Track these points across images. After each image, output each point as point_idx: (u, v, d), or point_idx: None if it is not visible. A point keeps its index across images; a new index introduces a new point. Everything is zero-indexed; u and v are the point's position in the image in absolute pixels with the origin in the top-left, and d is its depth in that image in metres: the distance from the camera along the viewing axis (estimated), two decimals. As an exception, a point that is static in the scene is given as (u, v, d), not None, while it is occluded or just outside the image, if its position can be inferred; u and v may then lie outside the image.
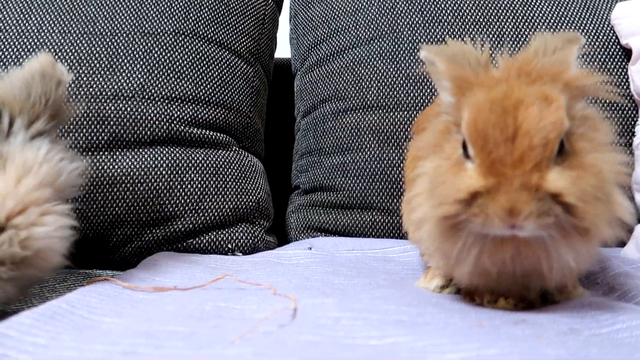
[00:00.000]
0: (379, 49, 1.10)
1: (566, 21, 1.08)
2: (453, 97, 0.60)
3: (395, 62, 1.08)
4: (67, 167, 0.65)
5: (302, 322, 0.53)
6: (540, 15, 1.09)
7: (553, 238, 0.53)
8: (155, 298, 0.64)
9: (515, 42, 1.07)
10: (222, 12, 1.13)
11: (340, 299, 0.62)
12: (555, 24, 1.07)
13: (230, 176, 1.04)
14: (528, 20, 1.08)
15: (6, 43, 1.00)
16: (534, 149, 0.52)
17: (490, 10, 1.09)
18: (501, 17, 1.08)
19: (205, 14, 1.11)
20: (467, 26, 1.08)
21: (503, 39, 1.07)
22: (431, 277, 0.74)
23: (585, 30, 1.07)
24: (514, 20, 1.08)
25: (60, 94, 0.70)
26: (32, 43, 1.00)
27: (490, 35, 1.07)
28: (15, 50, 1.00)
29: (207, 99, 1.06)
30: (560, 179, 0.52)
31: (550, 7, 1.09)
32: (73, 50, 1.01)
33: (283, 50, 1.35)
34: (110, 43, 1.03)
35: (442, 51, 0.62)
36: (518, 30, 1.07)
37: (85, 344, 0.45)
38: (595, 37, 1.07)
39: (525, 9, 1.09)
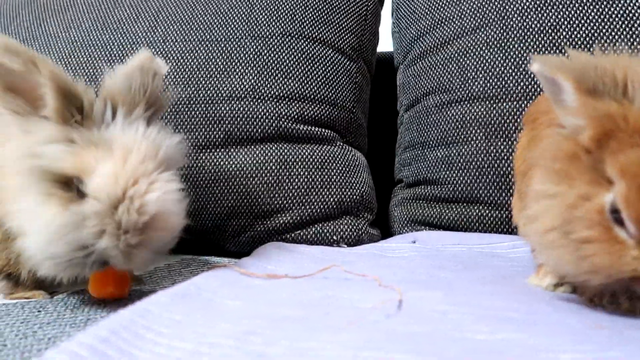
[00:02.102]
0: (485, 38, 1.06)
1: None
2: (589, 129, 0.53)
3: (503, 51, 1.04)
4: (165, 142, 0.71)
5: (408, 313, 0.54)
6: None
7: None
8: (269, 284, 0.68)
9: (644, 21, 0.97)
10: (325, 12, 1.16)
11: (447, 292, 0.62)
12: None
13: (334, 170, 1.08)
14: (659, -5, 0.97)
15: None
16: None
17: (613, -13, 1.00)
18: (626, -6, 0.99)
19: (310, 15, 1.15)
20: (586, 6, 1.00)
21: (629, 18, 0.98)
22: (544, 274, 0.71)
23: None
24: (641, -3, 0.98)
25: (157, 85, 0.75)
26: (159, 53, 1.11)
27: (613, 15, 0.98)
28: (145, 59, 1.12)
29: (312, 96, 1.10)
30: None
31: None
32: (192, 57, 1.10)
33: (386, 44, 1.35)
34: (224, 48, 1.11)
35: (567, 67, 0.53)
36: (646, 7, 0.97)
37: (212, 322, 0.50)
38: None
39: (655, -18, 0.98)
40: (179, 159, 0.75)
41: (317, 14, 1.16)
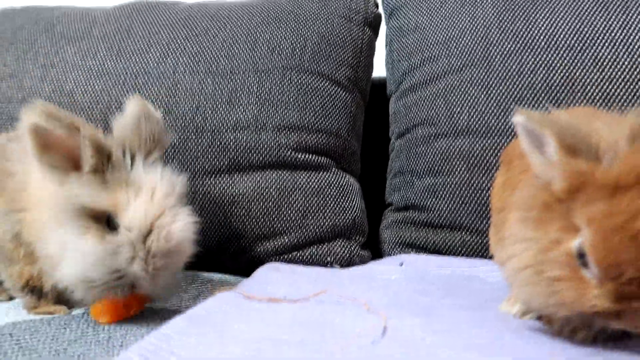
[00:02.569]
0: (470, 77, 1.16)
1: (669, 44, 1.05)
2: (562, 183, 0.59)
3: (486, 90, 1.13)
4: (177, 180, 0.85)
5: (391, 338, 0.63)
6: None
7: None
8: (270, 307, 0.77)
9: (614, 66, 1.07)
10: (323, 46, 1.25)
11: (426, 319, 0.71)
12: (656, 48, 1.06)
13: (329, 196, 1.17)
14: (627, 44, 1.07)
15: (149, 83, 1.21)
16: None
17: (586, 35, 1.10)
18: (597, 41, 1.09)
19: (309, 49, 1.24)
20: (561, 52, 1.10)
21: (600, 64, 1.07)
22: (514, 301, 0.80)
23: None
24: (611, 44, 1.08)
25: (161, 129, 0.89)
26: (170, 83, 1.20)
27: (586, 61, 1.08)
28: (155, 89, 1.20)
29: (310, 126, 1.19)
30: None
31: (651, 30, 1.07)
32: (200, 88, 1.19)
33: (380, 68, 1.43)
34: (230, 80, 1.20)
35: (551, 125, 0.59)
36: (616, 54, 1.07)
37: (224, 344, 0.59)
38: None
39: (624, 31, 1.08)
40: (185, 193, 0.87)
41: (315, 49, 1.25)
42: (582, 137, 0.59)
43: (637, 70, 1.05)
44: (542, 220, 0.62)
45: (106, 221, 0.77)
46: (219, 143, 1.15)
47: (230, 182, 1.15)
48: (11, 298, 0.98)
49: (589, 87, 1.07)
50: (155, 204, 0.78)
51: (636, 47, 1.07)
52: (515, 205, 0.70)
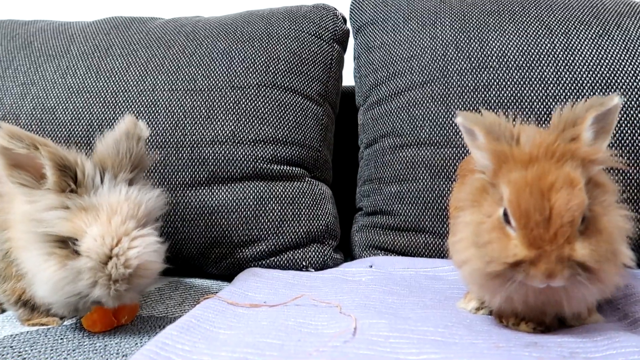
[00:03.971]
0: (431, 92, 1.26)
1: (606, 63, 1.17)
2: (490, 163, 0.74)
3: (445, 105, 1.24)
4: (145, 199, 0.87)
5: (360, 338, 0.73)
6: (581, 58, 1.19)
7: (573, 283, 0.69)
8: (251, 313, 0.85)
9: (557, 84, 1.18)
10: (295, 63, 1.33)
11: (392, 319, 0.81)
12: (594, 67, 1.18)
13: (304, 204, 1.25)
14: (569, 64, 1.19)
15: (129, 101, 1.27)
16: (564, 226, 0.67)
17: (533, 55, 1.21)
18: (543, 61, 1.20)
19: (282, 66, 1.32)
20: (511, 70, 1.21)
21: (545, 82, 1.19)
22: (469, 299, 0.91)
23: (624, 72, 1.16)
24: (555, 64, 1.19)
25: (140, 148, 0.91)
26: (148, 100, 1.26)
27: (533, 79, 1.19)
28: (135, 106, 1.26)
29: (284, 139, 1.27)
30: (583, 249, 0.68)
31: (590, 50, 1.19)
32: (179, 105, 1.26)
33: (349, 77, 1.52)
34: (207, 97, 1.27)
35: (480, 121, 0.75)
36: (559, 73, 1.19)
37: (214, 350, 0.67)
38: (635, 78, 1.16)
39: (566, 52, 1.20)
40: (159, 208, 0.91)
41: (287, 66, 1.32)
42: (504, 128, 0.74)
43: (578, 88, 1.17)
44: (479, 202, 0.76)
45: (73, 243, 0.80)
46: (198, 157, 1.22)
47: (210, 193, 1.22)
48: (3, 311, 1.03)
49: (535, 103, 1.18)
50: (113, 230, 0.79)
51: (576, 66, 1.19)
52: (460, 204, 0.82)
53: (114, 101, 1.26)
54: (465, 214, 0.79)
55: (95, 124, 1.24)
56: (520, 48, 1.22)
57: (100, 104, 1.26)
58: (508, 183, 0.70)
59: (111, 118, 1.24)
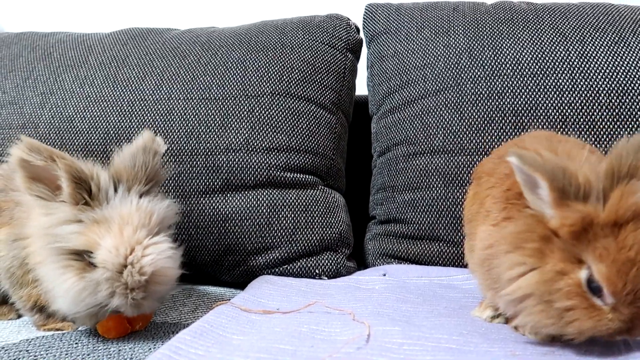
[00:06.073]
0: (444, 100, 1.26)
1: (622, 70, 1.16)
2: (560, 221, 0.66)
3: (458, 113, 1.23)
4: (156, 208, 0.88)
5: (373, 345, 0.72)
6: (596, 65, 1.18)
7: None
8: (264, 319, 0.85)
9: (572, 92, 1.17)
10: (309, 72, 1.34)
11: (405, 326, 0.80)
12: (610, 74, 1.17)
13: (317, 212, 1.25)
14: (584, 71, 1.18)
15: (145, 109, 1.29)
16: None
17: (547, 62, 1.20)
18: (558, 69, 1.19)
19: (296, 75, 1.33)
20: (526, 78, 1.20)
21: (560, 89, 1.18)
22: (484, 307, 0.90)
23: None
24: (570, 71, 1.19)
25: (156, 162, 0.92)
26: (164, 109, 1.28)
27: (547, 86, 1.19)
28: (151, 115, 1.28)
29: (298, 147, 1.28)
30: None
31: (605, 57, 1.18)
32: (194, 114, 1.27)
33: (362, 86, 1.52)
34: (222, 105, 1.28)
35: (542, 167, 0.66)
36: (574, 80, 1.18)
37: (227, 355, 0.67)
38: (652, 83, 1.15)
39: (581, 60, 1.19)
40: (170, 217, 0.92)
41: (301, 75, 1.33)
42: (570, 178, 0.66)
43: (593, 95, 1.16)
44: (542, 252, 0.68)
45: (88, 256, 0.81)
46: (212, 165, 1.23)
47: (224, 200, 1.23)
48: (20, 316, 1.04)
49: (550, 110, 1.17)
50: (126, 240, 0.81)
51: (592, 74, 1.18)
52: (507, 240, 0.73)
53: (130, 110, 1.28)
54: (519, 255, 0.70)
55: (111, 132, 1.26)
56: (535, 55, 1.22)
57: (117, 113, 1.29)
58: (600, 257, 0.64)
59: (127, 127, 1.26)
